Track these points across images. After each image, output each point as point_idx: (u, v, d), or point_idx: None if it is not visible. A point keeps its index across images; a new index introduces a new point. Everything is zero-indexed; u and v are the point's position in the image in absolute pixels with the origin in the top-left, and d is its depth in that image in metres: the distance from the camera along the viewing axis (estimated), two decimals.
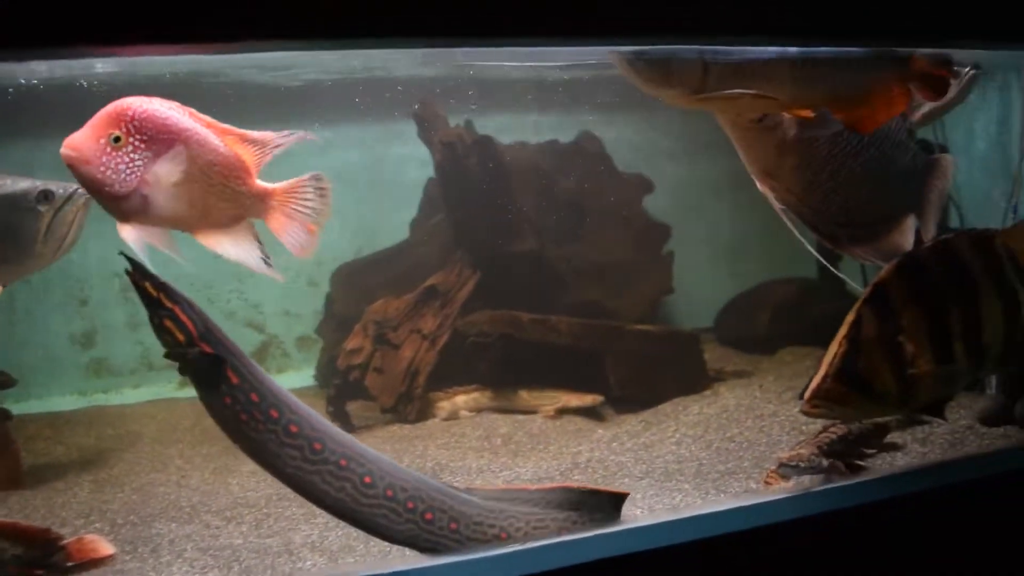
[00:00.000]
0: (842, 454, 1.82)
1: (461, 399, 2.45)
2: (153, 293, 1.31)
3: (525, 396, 2.44)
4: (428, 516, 1.41)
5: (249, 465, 2.13)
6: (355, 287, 2.78)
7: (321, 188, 1.56)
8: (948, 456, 1.91)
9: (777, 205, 1.89)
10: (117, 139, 1.40)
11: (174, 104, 1.48)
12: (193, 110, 1.50)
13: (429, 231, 2.84)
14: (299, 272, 2.88)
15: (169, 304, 1.32)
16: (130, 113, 1.41)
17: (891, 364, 1.63)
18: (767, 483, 1.83)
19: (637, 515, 1.71)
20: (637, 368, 2.48)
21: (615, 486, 1.86)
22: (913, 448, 1.95)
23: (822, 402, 1.62)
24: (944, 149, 2.40)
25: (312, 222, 1.57)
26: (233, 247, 1.54)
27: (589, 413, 2.40)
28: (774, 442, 2.04)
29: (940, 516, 1.71)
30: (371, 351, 2.50)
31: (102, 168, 1.38)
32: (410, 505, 1.40)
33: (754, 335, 2.95)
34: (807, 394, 1.64)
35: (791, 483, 1.79)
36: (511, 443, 2.20)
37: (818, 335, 1.73)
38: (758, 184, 1.88)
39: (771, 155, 1.79)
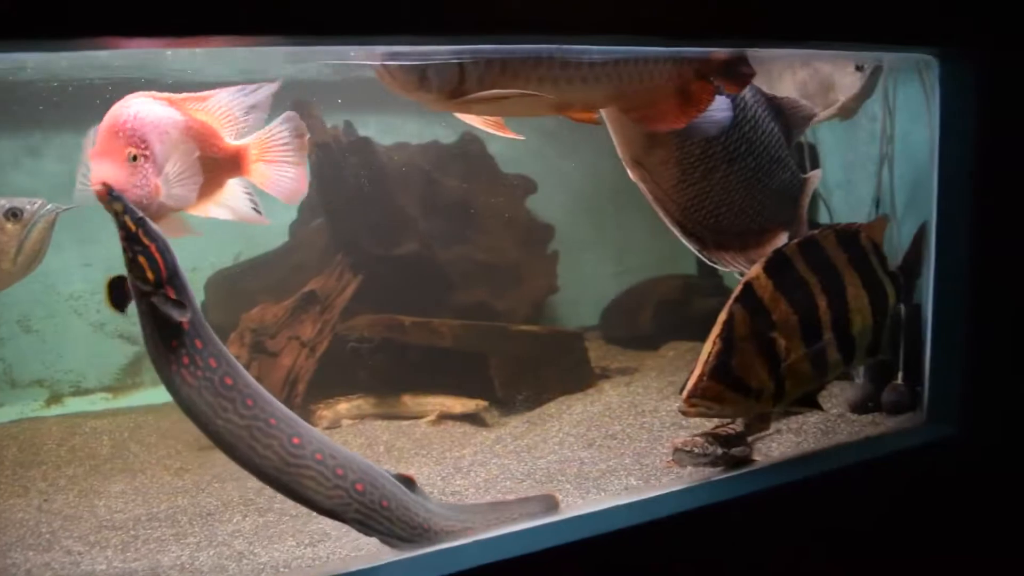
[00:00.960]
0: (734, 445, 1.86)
1: (342, 407, 2.38)
2: (132, 227, 1.29)
3: (408, 402, 2.39)
4: (359, 487, 1.40)
5: (118, 485, 2.06)
6: (232, 294, 2.68)
7: (295, 127, 1.59)
8: (822, 444, 1.96)
9: (649, 195, 1.89)
10: (135, 158, 1.39)
11: (142, 94, 1.46)
12: (155, 92, 1.48)
13: (309, 235, 2.76)
14: None
15: (146, 241, 1.30)
16: (131, 125, 1.39)
17: (765, 360, 1.68)
18: (668, 467, 1.85)
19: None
20: (521, 369, 2.47)
21: (497, 488, 1.85)
22: (788, 438, 2.00)
23: (699, 400, 1.65)
24: (813, 149, 2.48)
25: (294, 163, 1.58)
26: (224, 210, 1.58)
27: (473, 416, 2.37)
28: (655, 438, 2.06)
29: (817, 503, 1.76)
30: (248, 360, 2.42)
31: (135, 190, 1.37)
32: (339, 472, 1.39)
33: (638, 332, 2.99)
34: (684, 394, 1.66)
35: (687, 470, 1.81)
36: (394, 450, 2.16)
37: (699, 330, 1.75)
38: (629, 173, 1.87)
39: (641, 143, 1.79)
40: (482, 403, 2.36)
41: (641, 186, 1.87)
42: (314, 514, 1.78)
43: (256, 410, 1.35)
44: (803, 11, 1.59)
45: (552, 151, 3.01)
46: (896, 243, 2.22)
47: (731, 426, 1.88)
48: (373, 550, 1.63)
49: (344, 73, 2.43)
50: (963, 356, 1.89)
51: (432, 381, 2.45)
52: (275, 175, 1.59)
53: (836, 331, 1.76)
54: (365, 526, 1.42)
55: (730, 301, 1.71)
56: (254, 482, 1.96)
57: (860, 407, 2.17)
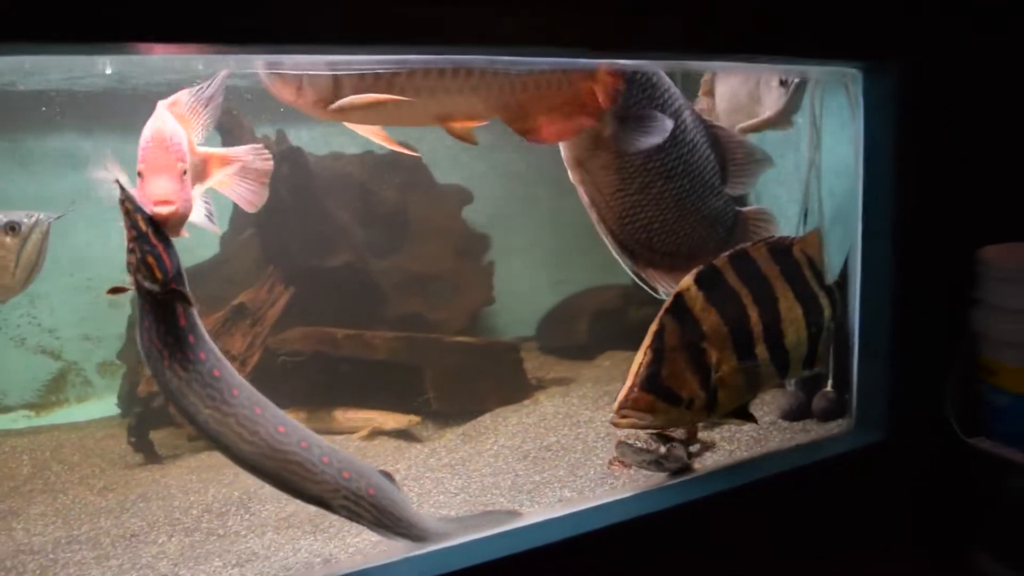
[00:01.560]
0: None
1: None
2: (144, 227, 1.31)
3: (340, 417, 2.35)
4: (345, 474, 1.44)
5: (38, 507, 1.99)
6: None
7: (260, 153, 1.61)
8: (755, 452, 1.98)
9: (585, 199, 1.89)
10: (184, 172, 1.41)
11: (166, 112, 1.48)
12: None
13: (239, 246, 2.70)
14: (99, 293, 2.69)
15: (155, 241, 1.32)
16: (176, 140, 1.41)
17: (696, 370, 1.68)
18: (611, 468, 1.84)
19: None
20: (457, 381, 2.45)
21: (431, 502, 1.83)
22: (721, 447, 2.01)
23: (631, 412, 1.64)
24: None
25: (258, 178, 1.61)
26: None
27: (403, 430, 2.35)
28: (589, 448, 2.05)
29: (750, 511, 1.77)
30: None
31: (185, 204, 1.39)
32: (325, 460, 1.43)
33: (574, 342, 2.99)
34: (615, 405, 1.66)
35: (631, 469, 1.81)
36: None
37: (636, 339, 1.76)
38: (570, 174, 1.87)
39: (585, 144, 1.79)
40: (415, 419, 2.33)
41: (580, 188, 1.88)
42: (242, 534, 1.77)
43: (242, 398, 1.39)
44: (730, 25, 1.61)
45: (488, 161, 3.00)
46: (824, 254, 2.26)
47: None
48: (302, 570, 1.60)
49: None
50: (888, 364, 1.92)
51: (366, 394, 2.42)
52: (237, 181, 1.61)
53: (769, 343, 1.77)
54: (353, 513, 1.46)
55: (660, 312, 1.72)
56: (180, 501, 1.94)
57: (792, 414, 2.20)
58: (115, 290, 1.38)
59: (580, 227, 2.60)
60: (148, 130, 1.42)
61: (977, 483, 1.88)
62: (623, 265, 1.98)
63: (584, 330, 2.98)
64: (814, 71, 2.08)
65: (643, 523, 1.62)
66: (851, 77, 1.93)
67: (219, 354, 1.41)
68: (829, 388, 2.19)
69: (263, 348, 2.39)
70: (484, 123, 1.71)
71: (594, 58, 1.57)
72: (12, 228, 1.69)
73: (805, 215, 2.33)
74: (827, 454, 1.92)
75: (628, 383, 1.67)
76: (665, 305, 1.73)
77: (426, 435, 2.33)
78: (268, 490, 1.94)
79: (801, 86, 2.01)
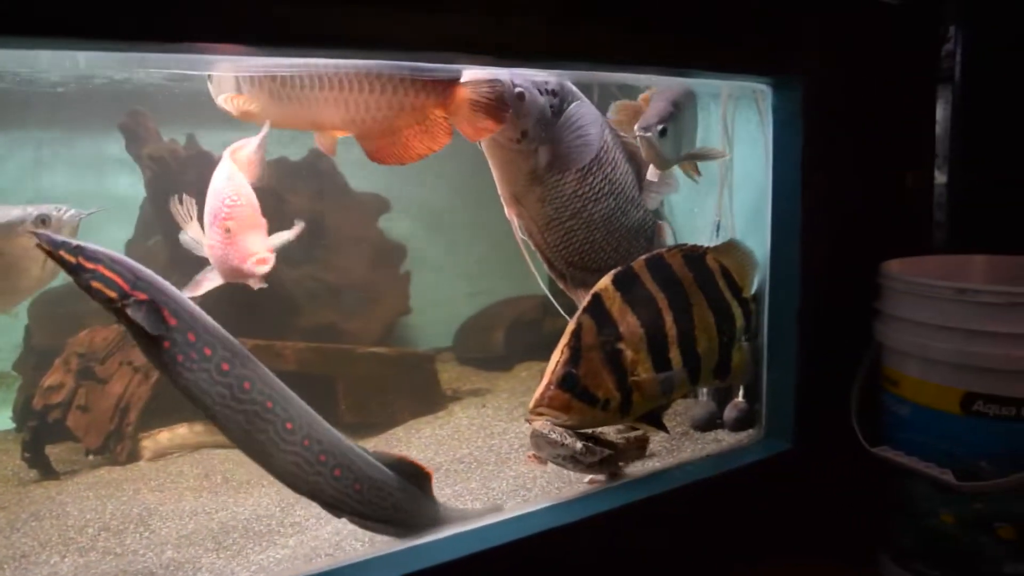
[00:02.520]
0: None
1: (179, 435, 2.25)
2: (71, 259, 1.29)
3: None
4: (337, 472, 1.48)
5: None
6: (57, 317, 2.50)
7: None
8: (667, 463, 1.98)
9: (519, 235, 1.90)
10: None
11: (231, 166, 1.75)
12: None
13: (145, 253, 2.61)
14: None
15: (91, 265, 1.30)
16: (254, 196, 1.77)
17: (611, 371, 1.69)
18: (529, 462, 1.82)
19: (357, 548, 1.64)
20: (370, 392, 2.41)
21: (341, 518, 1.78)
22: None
23: (547, 410, 1.64)
24: None
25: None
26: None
27: None
28: (503, 460, 2.03)
29: (662, 521, 1.77)
30: (74, 387, 2.25)
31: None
32: (322, 458, 1.48)
33: (491, 353, 2.97)
34: (532, 402, 1.64)
35: (547, 466, 1.78)
36: (232, 480, 2.05)
37: (552, 350, 1.75)
38: (506, 209, 1.88)
39: (522, 180, 1.81)
40: None
41: (516, 222, 1.89)
42: (140, 552, 1.69)
43: (254, 394, 1.40)
44: (640, 38, 1.62)
45: (406, 170, 2.97)
46: (748, 267, 2.29)
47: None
48: None
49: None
50: (795, 375, 1.95)
51: None
52: None
53: (682, 348, 1.79)
54: (336, 509, 1.51)
55: (579, 311, 1.72)
56: (75, 519, 1.85)
57: (703, 425, 2.22)
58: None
59: (498, 237, 2.59)
60: (228, 184, 1.62)
61: (881, 490, 1.92)
62: (541, 285, 2.00)
63: (501, 341, 2.96)
64: (726, 85, 2.11)
65: (556, 535, 1.61)
66: (761, 92, 1.97)
67: (229, 343, 1.42)
68: (740, 398, 2.22)
69: None
70: (345, 135, 1.74)
71: (502, 66, 1.55)
72: (43, 221, 1.71)
73: (718, 228, 2.35)
74: (737, 464, 1.94)
75: (545, 380, 1.66)
76: (583, 304, 1.73)
77: None
78: (168, 507, 1.89)
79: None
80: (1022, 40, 2.37)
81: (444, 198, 3.06)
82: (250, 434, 1.41)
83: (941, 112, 2.47)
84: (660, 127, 1.85)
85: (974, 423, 1.67)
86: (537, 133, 1.75)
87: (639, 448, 1.91)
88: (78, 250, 1.30)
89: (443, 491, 1.87)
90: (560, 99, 1.77)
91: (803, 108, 1.85)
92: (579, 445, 1.69)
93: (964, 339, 1.67)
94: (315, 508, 1.81)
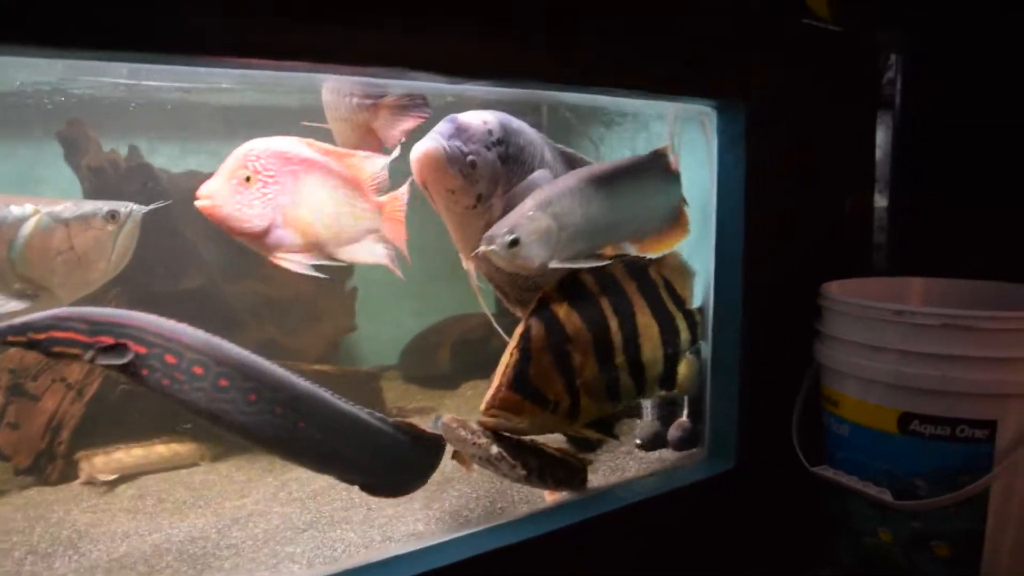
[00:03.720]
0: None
1: (115, 459, 2.18)
2: (22, 339, 1.29)
3: (180, 448, 2.22)
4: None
5: None
6: None
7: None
8: (611, 481, 1.98)
9: (474, 283, 1.90)
10: (248, 179, 1.65)
11: (293, 139, 1.74)
12: (311, 140, 1.76)
13: None
14: None
15: (41, 336, 1.29)
16: (255, 153, 1.66)
17: (560, 373, 1.67)
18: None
19: (295, 572, 1.60)
20: None
21: (277, 540, 1.75)
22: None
23: (499, 411, 1.61)
24: None
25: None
26: (366, 254, 1.90)
27: (260, 458, 2.24)
28: (446, 480, 2.01)
29: (606, 541, 1.76)
30: (3, 403, 2.18)
31: (237, 207, 1.64)
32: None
33: (437, 371, 2.94)
34: (483, 404, 1.62)
35: (474, 468, 1.76)
36: (167, 502, 1.99)
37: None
38: (463, 262, 1.87)
39: (480, 236, 1.80)
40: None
41: (471, 272, 1.88)
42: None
43: (260, 404, 1.42)
44: (582, 58, 1.63)
45: None
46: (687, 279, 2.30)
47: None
48: None
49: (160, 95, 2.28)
50: (738, 394, 1.97)
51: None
52: (400, 231, 1.90)
53: (627, 354, 1.78)
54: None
55: (527, 314, 1.71)
56: (1, 543, 1.78)
57: (648, 444, 2.22)
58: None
59: (444, 255, 2.57)
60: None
61: (822, 509, 1.94)
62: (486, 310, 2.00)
63: (447, 359, 2.94)
64: (671, 107, 2.13)
65: (497, 556, 1.59)
66: (706, 115, 1.99)
67: (229, 354, 1.43)
68: (684, 418, 2.23)
69: (103, 376, 2.24)
70: None
71: (444, 83, 1.55)
72: (112, 216, 1.77)
73: None
74: (681, 483, 1.95)
75: (496, 382, 1.64)
76: (530, 307, 1.72)
77: (278, 466, 2.23)
78: (100, 529, 1.84)
79: None
80: (958, 69, 2.43)
81: None
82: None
83: (881, 137, 2.53)
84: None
85: (911, 443, 1.70)
86: (490, 190, 1.74)
87: (578, 468, 1.88)
88: (22, 328, 1.29)
89: (385, 512, 1.85)
90: (505, 144, 1.75)
91: (746, 131, 1.88)
92: (494, 449, 1.62)
93: (901, 360, 1.70)
94: (253, 529, 1.79)
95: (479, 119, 1.72)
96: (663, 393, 1.96)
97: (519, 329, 1.70)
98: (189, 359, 1.38)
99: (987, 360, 1.63)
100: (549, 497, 1.89)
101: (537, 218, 1.65)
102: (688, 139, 2.31)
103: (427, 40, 1.39)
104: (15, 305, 1.68)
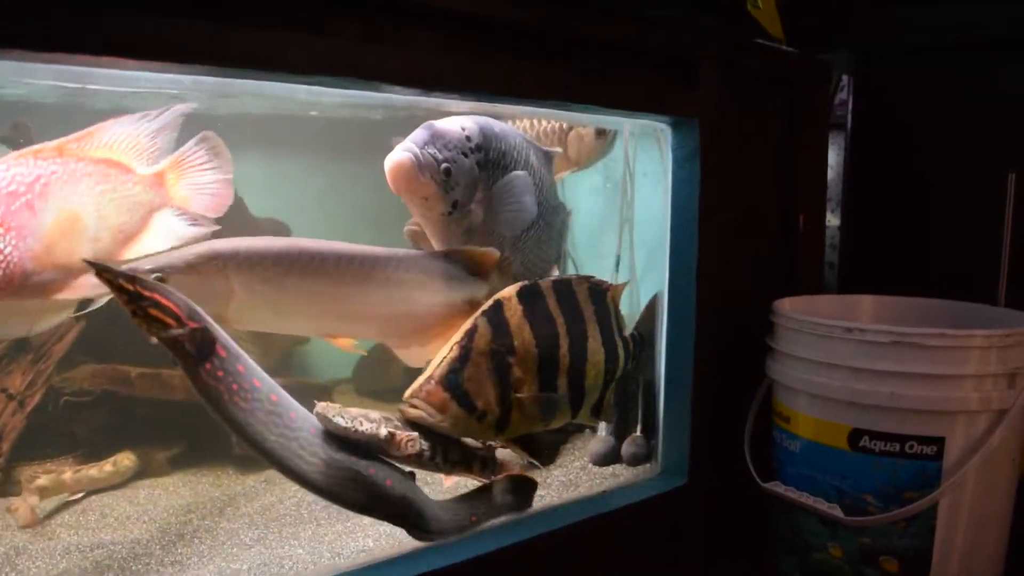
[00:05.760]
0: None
1: (55, 469, 2.12)
2: (130, 287, 1.26)
3: (128, 462, 2.17)
4: (388, 482, 1.46)
5: None
6: None
7: (213, 145, 1.61)
8: (565, 498, 1.97)
9: None
10: None
11: (11, 160, 1.42)
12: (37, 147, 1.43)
13: None
14: None
15: (148, 293, 1.28)
16: None
17: (496, 383, 1.60)
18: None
19: None
20: None
21: (223, 556, 1.71)
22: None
23: (422, 404, 1.52)
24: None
25: (215, 177, 1.61)
26: (164, 238, 1.57)
27: (208, 472, 2.19)
28: None
29: (559, 557, 1.75)
30: None
31: None
32: (372, 471, 1.44)
33: (391, 384, 2.91)
34: (408, 392, 1.55)
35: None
36: (110, 517, 1.94)
37: None
38: None
39: (460, 242, 1.78)
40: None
41: None
42: None
43: (300, 420, 1.40)
44: (536, 73, 1.63)
45: (308, 195, 2.92)
46: (636, 303, 2.31)
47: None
48: None
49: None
50: (691, 411, 1.97)
51: (161, 438, 2.25)
52: (196, 192, 1.61)
53: (570, 378, 1.73)
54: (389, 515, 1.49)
55: (477, 313, 1.64)
56: None
57: (602, 460, 2.22)
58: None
59: None
60: None
61: (773, 524, 1.95)
62: None
63: (401, 372, 2.91)
64: (628, 122, 2.14)
65: (448, 574, 1.57)
66: (662, 131, 2.00)
67: (268, 377, 1.41)
68: (638, 433, 2.23)
69: (46, 387, 2.18)
70: None
71: (404, 94, 1.53)
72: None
73: (618, 263, 2.38)
74: (633, 499, 1.94)
75: (427, 374, 1.56)
76: (483, 308, 1.65)
77: (227, 480, 2.18)
78: (39, 545, 1.78)
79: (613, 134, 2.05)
80: (908, 90, 2.48)
81: (345, 224, 3.01)
82: (303, 458, 1.38)
83: (833, 157, 2.57)
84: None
85: (861, 459, 1.71)
86: (468, 196, 1.72)
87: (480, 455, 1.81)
88: (134, 279, 1.27)
89: (334, 527, 1.82)
90: (485, 150, 1.74)
91: (700, 148, 1.89)
92: (383, 431, 1.47)
93: (851, 376, 1.71)
94: (199, 545, 1.75)
95: (457, 125, 1.71)
96: (592, 421, 1.91)
97: (467, 324, 1.61)
98: (252, 372, 1.38)
99: (936, 377, 1.65)
100: (447, 482, 1.85)
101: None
102: (643, 155, 2.33)
103: (385, 51, 1.37)
104: None
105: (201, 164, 1.60)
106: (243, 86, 1.46)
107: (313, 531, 1.81)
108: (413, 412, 1.53)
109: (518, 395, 1.63)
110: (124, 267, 1.33)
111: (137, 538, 1.81)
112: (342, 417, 1.43)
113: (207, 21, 1.20)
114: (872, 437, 1.70)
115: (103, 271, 1.27)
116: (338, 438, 1.43)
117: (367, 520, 1.84)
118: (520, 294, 1.67)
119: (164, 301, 1.29)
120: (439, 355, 1.58)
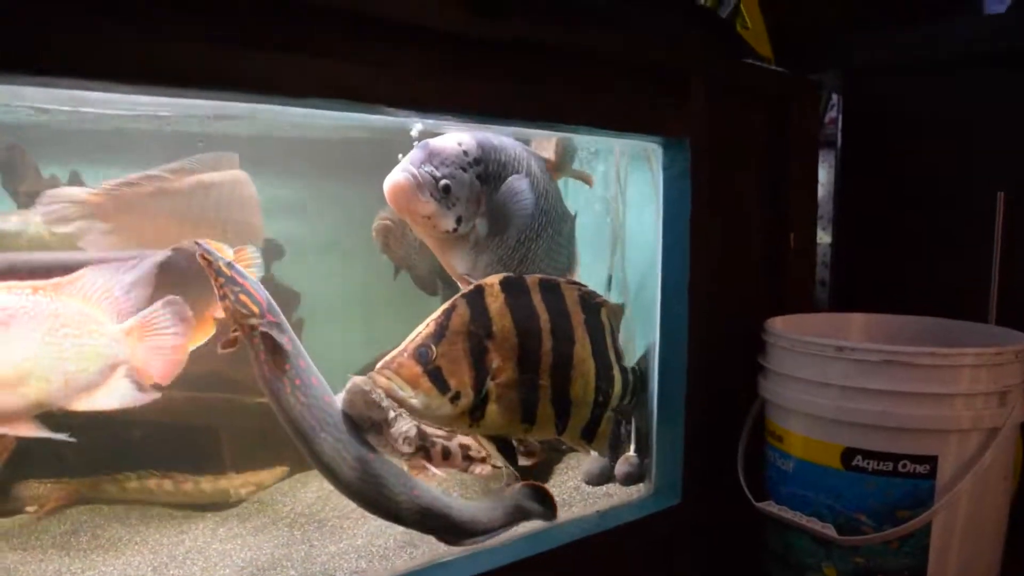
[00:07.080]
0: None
1: (47, 490, 2.11)
2: (227, 272, 1.41)
3: (121, 484, 2.15)
4: (415, 492, 1.58)
5: None
6: None
7: (177, 310, 1.68)
8: (559, 517, 1.96)
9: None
10: None
11: None
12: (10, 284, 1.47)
13: None
14: None
15: (241, 281, 1.43)
16: None
17: (472, 366, 1.55)
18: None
19: None
20: (256, 444, 2.31)
21: None
22: None
23: (392, 375, 1.47)
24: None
25: (178, 343, 1.69)
26: (112, 398, 1.59)
27: (199, 494, 2.18)
28: None
29: None
30: None
31: None
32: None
33: None
34: (380, 363, 1.51)
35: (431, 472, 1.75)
36: (101, 539, 1.93)
37: None
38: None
39: (468, 258, 1.79)
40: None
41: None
42: None
43: (347, 426, 1.52)
44: (524, 94, 1.63)
45: (301, 216, 2.92)
46: (630, 324, 2.31)
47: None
48: None
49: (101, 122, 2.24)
50: (684, 431, 1.97)
51: (154, 458, 2.24)
52: (154, 356, 1.67)
53: (554, 382, 1.68)
54: (418, 523, 1.60)
55: (459, 294, 1.60)
56: None
57: (595, 479, 2.21)
58: (229, 343, 1.48)
59: (394, 284, 2.55)
60: None
61: (767, 543, 1.94)
62: None
63: None
64: (618, 142, 2.15)
65: None
66: (652, 151, 2.01)
67: (325, 381, 1.53)
68: (632, 453, 2.23)
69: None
70: None
71: (395, 116, 1.54)
72: None
73: (609, 282, 2.38)
74: (627, 519, 1.94)
75: (401, 346, 1.51)
76: (464, 290, 1.62)
77: (220, 501, 2.17)
78: (30, 567, 1.77)
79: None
80: (898, 109, 2.50)
81: (340, 244, 3.01)
82: (346, 461, 1.50)
83: (824, 175, 2.58)
84: None
85: (854, 478, 1.71)
86: (471, 211, 1.73)
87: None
88: (231, 265, 1.43)
89: (327, 548, 1.81)
90: (484, 163, 1.74)
91: (691, 167, 1.90)
92: (392, 414, 1.59)
93: (843, 395, 1.71)
94: (191, 567, 1.74)
95: (453, 141, 1.71)
96: (583, 444, 1.85)
97: (445, 304, 1.57)
98: (312, 370, 1.51)
99: (928, 396, 1.66)
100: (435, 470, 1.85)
101: None
102: (634, 174, 2.34)
103: (371, 71, 1.38)
104: None
105: (164, 328, 1.66)
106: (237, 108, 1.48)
107: (306, 552, 1.79)
108: (384, 382, 1.47)
109: (496, 382, 1.57)
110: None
111: (129, 560, 1.80)
112: (376, 394, 1.54)
113: (196, 43, 1.20)
114: (865, 456, 1.70)
115: (207, 254, 1.41)
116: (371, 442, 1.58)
117: (360, 540, 1.84)
118: (503, 283, 1.63)
119: (253, 292, 1.43)
120: (415, 331, 1.54)
